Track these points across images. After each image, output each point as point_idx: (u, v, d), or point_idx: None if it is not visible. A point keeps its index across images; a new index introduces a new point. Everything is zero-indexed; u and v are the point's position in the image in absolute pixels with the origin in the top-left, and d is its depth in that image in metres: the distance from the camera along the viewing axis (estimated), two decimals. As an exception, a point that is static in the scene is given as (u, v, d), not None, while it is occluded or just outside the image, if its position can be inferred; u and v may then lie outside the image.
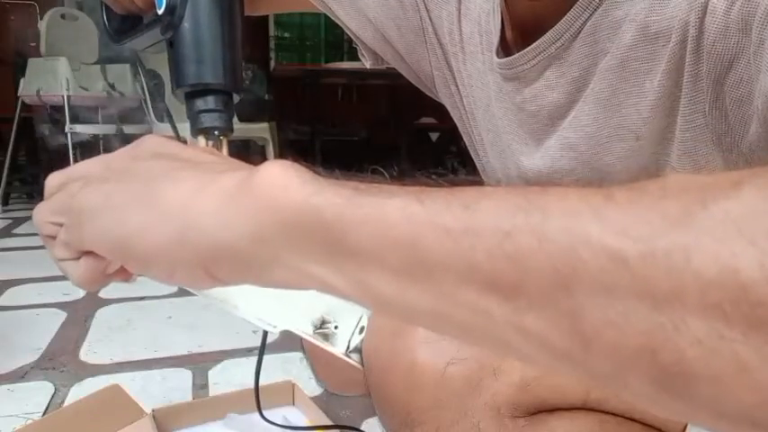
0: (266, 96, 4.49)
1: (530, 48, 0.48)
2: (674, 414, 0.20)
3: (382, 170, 3.68)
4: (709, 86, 0.38)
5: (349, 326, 0.46)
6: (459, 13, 0.59)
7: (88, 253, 0.30)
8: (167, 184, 0.27)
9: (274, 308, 0.41)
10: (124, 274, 0.33)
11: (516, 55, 0.49)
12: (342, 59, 5.19)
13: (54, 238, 0.31)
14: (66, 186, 0.31)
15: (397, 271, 0.22)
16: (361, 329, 0.47)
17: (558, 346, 0.19)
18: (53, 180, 0.32)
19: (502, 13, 0.52)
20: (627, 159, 0.44)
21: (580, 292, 0.18)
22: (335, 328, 0.45)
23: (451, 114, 0.66)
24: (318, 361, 0.63)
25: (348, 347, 0.46)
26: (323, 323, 0.44)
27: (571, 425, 0.45)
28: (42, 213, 0.32)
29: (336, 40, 5.43)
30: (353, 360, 0.46)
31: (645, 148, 0.43)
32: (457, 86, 0.63)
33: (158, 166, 0.29)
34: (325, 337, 0.44)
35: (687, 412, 0.19)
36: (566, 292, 0.18)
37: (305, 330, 0.43)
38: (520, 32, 0.50)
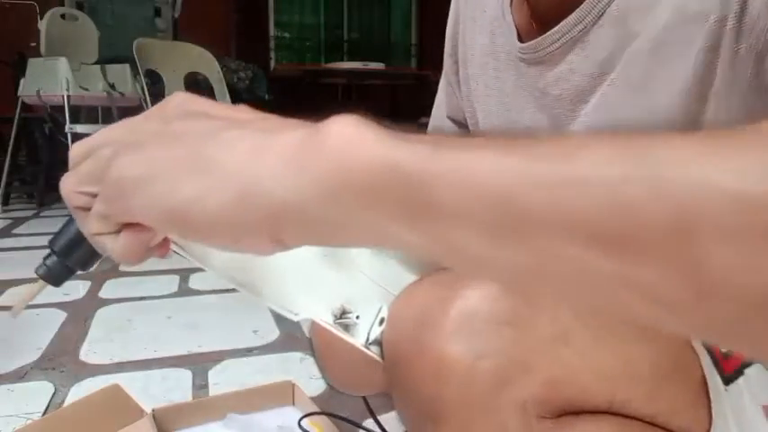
0: (266, 96, 4.49)
1: (553, 30, 0.48)
2: None
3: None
4: (749, 65, 0.37)
5: (369, 317, 0.45)
6: (464, 31, 0.62)
7: (128, 225, 0.28)
8: (219, 146, 0.26)
9: (296, 296, 0.40)
10: (164, 248, 0.32)
11: (540, 38, 0.50)
12: (342, 59, 5.19)
13: (84, 210, 0.29)
14: (94, 153, 0.29)
15: (488, 228, 0.20)
16: (381, 321, 0.45)
17: (670, 297, 0.18)
18: (77, 149, 0.30)
19: (518, 12, 0.54)
20: None
21: (703, 239, 0.17)
22: (357, 318, 0.44)
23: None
24: (329, 356, 0.61)
25: (368, 339, 0.45)
26: (343, 313, 0.43)
27: (597, 429, 0.44)
28: (70, 183, 0.29)
29: (336, 41, 5.44)
30: (373, 352, 0.45)
31: None
32: (468, 99, 0.65)
33: (198, 127, 0.27)
34: (346, 327, 0.43)
35: None
36: (687, 241, 0.17)
37: (325, 319, 0.42)
38: (541, 23, 0.51)
